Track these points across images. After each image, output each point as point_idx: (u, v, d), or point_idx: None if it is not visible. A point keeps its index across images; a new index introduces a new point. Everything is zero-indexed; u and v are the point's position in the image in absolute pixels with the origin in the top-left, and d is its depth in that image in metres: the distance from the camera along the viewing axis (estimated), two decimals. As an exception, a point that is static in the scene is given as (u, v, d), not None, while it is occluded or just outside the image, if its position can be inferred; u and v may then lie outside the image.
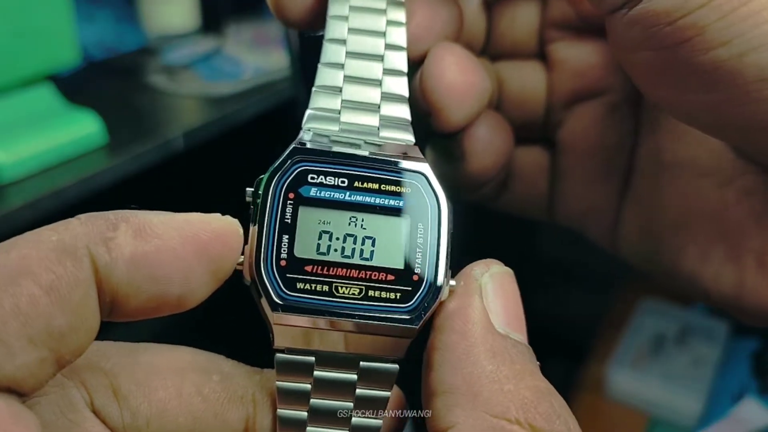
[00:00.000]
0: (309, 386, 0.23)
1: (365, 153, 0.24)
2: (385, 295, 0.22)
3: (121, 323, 0.21)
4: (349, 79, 0.26)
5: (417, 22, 0.28)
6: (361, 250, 0.23)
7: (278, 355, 0.23)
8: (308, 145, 0.24)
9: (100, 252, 0.19)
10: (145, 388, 0.22)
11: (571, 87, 0.32)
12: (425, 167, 0.24)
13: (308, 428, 0.23)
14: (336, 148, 0.24)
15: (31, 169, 0.63)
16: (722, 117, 0.24)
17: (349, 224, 0.23)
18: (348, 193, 0.23)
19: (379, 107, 0.26)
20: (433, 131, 0.30)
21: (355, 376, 0.23)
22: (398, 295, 0.23)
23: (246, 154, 0.72)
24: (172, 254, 0.20)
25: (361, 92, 0.26)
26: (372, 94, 0.26)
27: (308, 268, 0.22)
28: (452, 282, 0.23)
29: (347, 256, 0.23)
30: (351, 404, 0.23)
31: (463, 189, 0.32)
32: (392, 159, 0.24)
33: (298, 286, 0.22)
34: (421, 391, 0.22)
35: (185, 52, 0.88)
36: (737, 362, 1.03)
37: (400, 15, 0.28)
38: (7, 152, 0.61)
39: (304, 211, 0.23)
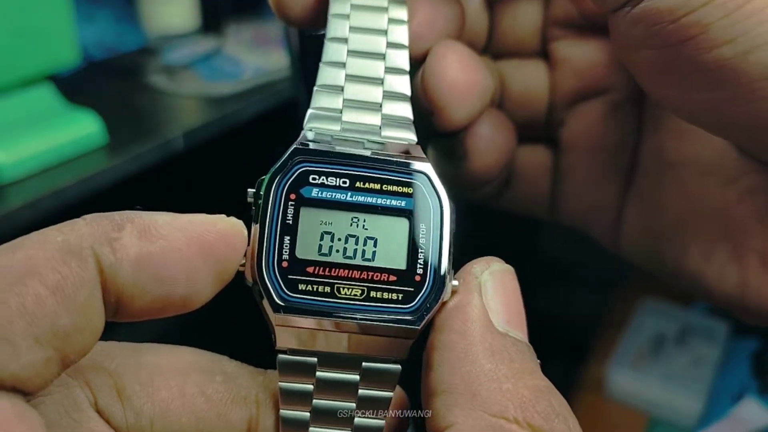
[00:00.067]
0: (311, 387, 0.23)
1: (367, 153, 0.24)
2: (387, 296, 0.22)
3: (125, 323, 0.21)
4: (350, 77, 0.26)
5: (419, 20, 0.28)
6: (363, 251, 0.23)
7: (280, 356, 0.22)
8: (310, 146, 0.24)
9: (105, 252, 0.19)
10: (148, 389, 0.22)
11: (573, 85, 0.32)
12: (428, 167, 0.24)
13: (311, 429, 0.23)
14: (338, 148, 0.24)
15: (31, 169, 0.62)
16: (726, 115, 0.24)
17: (351, 225, 0.23)
18: (350, 194, 0.23)
19: (381, 106, 0.25)
20: (435, 130, 0.30)
21: (357, 377, 0.23)
22: (400, 295, 0.22)
23: (246, 154, 0.72)
24: (178, 255, 0.20)
25: (362, 91, 0.26)
26: (374, 93, 0.26)
27: (310, 269, 0.22)
28: (455, 282, 0.23)
29: (349, 257, 0.22)
30: (353, 405, 0.23)
31: (465, 188, 0.32)
32: (394, 159, 0.24)
33: (300, 288, 0.22)
34: (421, 391, 0.22)
35: (185, 52, 0.88)
36: (737, 362, 1.02)
37: (401, 13, 0.28)
38: (7, 152, 0.61)
39: (305, 212, 0.23)
